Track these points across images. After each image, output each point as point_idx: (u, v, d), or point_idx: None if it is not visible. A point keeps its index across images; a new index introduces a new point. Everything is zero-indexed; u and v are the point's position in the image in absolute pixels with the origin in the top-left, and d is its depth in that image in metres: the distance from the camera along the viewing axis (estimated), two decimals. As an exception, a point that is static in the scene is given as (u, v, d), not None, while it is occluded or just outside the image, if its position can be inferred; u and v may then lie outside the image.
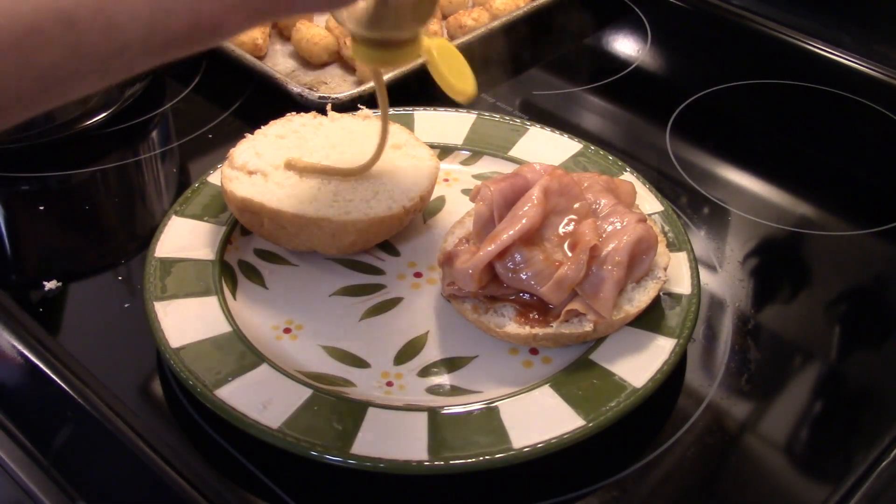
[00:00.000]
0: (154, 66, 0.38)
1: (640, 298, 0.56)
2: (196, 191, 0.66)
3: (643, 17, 0.96)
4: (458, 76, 0.60)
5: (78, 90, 0.37)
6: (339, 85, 0.83)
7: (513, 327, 0.55)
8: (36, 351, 0.58)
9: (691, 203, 0.71)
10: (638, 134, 0.81)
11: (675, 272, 0.59)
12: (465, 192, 0.69)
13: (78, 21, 0.34)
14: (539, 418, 0.51)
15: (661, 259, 0.58)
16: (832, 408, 0.57)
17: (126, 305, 0.62)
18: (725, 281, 0.64)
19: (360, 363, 0.57)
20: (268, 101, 0.77)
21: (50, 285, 0.63)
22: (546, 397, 0.53)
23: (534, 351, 0.57)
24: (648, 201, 0.65)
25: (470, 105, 0.79)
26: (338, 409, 0.52)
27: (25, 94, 0.35)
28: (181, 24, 0.37)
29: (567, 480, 0.51)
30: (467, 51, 0.82)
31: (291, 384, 0.53)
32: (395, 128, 0.68)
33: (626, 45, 0.94)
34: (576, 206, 0.58)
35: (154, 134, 0.80)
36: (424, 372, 0.56)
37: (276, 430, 0.50)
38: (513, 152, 0.71)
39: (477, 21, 0.87)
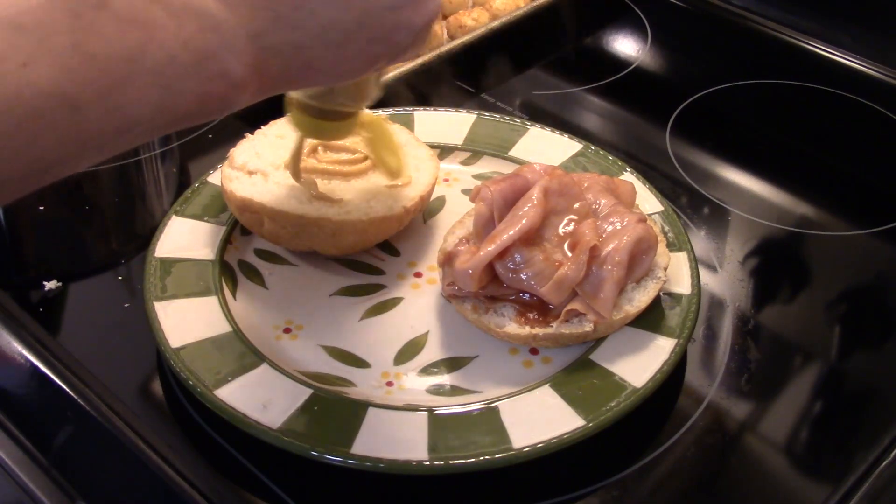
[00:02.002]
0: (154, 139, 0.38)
1: (640, 298, 0.56)
2: (196, 191, 0.66)
3: (643, 17, 0.96)
4: (389, 153, 0.61)
5: (77, 167, 0.35)
6: (339, 85, 0.83)
7: (513, 327, 0.55)
8: (36, 351, 0.58)
9: (691, 203, 0.71)
10: (638, 134, 0.81)
11: (675, 272, 0.59)
12: (465, 192, 0.69)
13: (82, 105, 0.33)
14: (539, 418, 0.51)
15: (661, 259, 0.58)
16: (832, 408, 0.57)
17: (126, 305, 0.62)
18: (725, 281, 0.64)
19: (360, 363, 0.57)
20: (268, 100, 0.77)
21: (50, 285, 0.63)
22: (546, 397, 0.53)
23: (534, 351, 0.57)
24: (648, 201, 0.65)
25: (470, 105, 0.80)
26: (338, 409, 0.52)
27: (23, 176, 0.34)
28: (189, 104, 0.36)
29: (567, 480, 0.51)
30: (467, 51, 0.83)
31: (291, 384, 0.53)
32: (395, 128, 0.68)
33: (626, 45, 0.94)
34: (576, 206, 0.58)
35: (154, 134, 0.79)
36: (424, 372, 0.56)
37: (276, 430, 0.50)
38: (513, 152, 0.71)
39: (477, 21, 0.87)
